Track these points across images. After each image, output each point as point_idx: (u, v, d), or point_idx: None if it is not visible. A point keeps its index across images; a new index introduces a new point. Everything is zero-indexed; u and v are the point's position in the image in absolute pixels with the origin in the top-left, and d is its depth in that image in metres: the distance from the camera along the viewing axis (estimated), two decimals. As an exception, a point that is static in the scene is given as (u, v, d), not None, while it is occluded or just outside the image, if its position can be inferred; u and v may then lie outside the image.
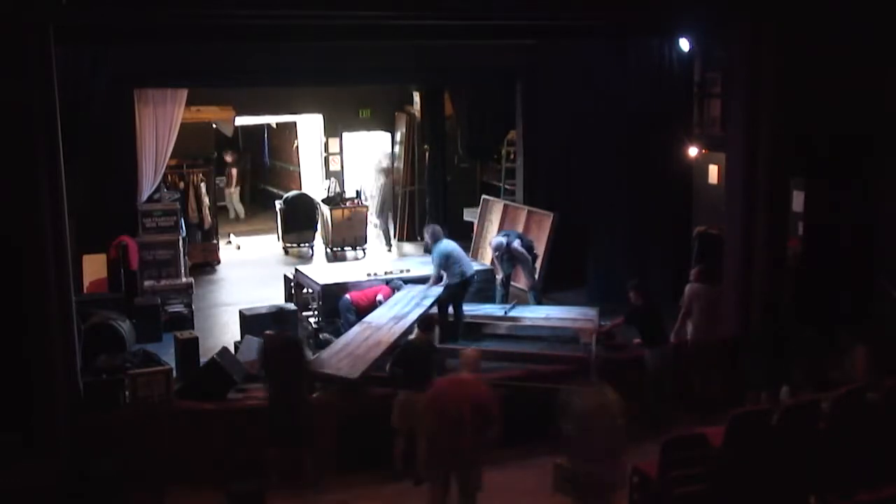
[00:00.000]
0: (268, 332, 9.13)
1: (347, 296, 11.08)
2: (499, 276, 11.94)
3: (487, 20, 9.95)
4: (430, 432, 7.28)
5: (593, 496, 6.81)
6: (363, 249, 15.84)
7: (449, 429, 7.03)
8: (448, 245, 10.92)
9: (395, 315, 10.38)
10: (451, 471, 7.26)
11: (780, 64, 10.00)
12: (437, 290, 10.84)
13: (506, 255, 11.76)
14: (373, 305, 11.00)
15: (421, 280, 11.56)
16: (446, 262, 10.79)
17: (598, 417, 6.64)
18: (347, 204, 15.98)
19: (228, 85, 14.13)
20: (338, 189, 16.55)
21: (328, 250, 15.81)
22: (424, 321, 9.22)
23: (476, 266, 12.57)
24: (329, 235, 15.77)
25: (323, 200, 16.19)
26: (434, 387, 7.42)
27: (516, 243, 11.78)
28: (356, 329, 10.21)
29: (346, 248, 15.78)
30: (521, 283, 12.42)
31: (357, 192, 16.58)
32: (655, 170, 11.94)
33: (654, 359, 9.63)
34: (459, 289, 10.79)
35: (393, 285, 11.36)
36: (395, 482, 8.61)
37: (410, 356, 8.68)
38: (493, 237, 12.52)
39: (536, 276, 12.09)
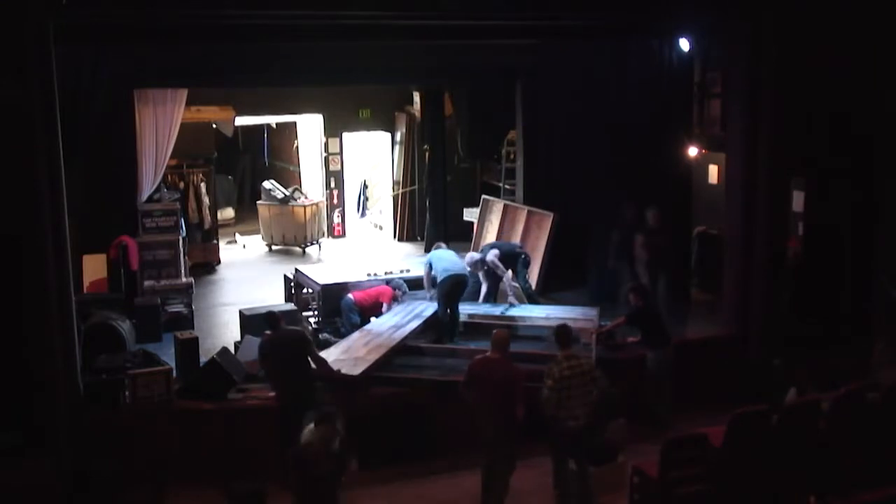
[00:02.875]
0: (266, 332, 9.00)
1: (350, 295, 11.08)
2: (484, 288, 11.71)
3: (487, 20, 9.95)
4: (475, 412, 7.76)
5: None
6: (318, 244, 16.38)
7: (486, 407, 7.63)
8: (433, 253, 11.11)
9: (395, 324, 10.54)
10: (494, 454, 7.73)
11: (780, 64, 10.01)
12: (434, 306, 10.91)
13: (483, 268, 11.66)
14: (376, 305, 11.00)
15: (420, 280, 11.60)
16: (430, 267, 10.91)
17: None
18: (300, 201, 16.47)
19: (228, 85, 14.12)
20: (295, 188, 16.85)
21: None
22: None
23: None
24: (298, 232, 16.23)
25: (280, 200, 16.51)
26: (470, 368, 7.94)
27: (491, 255, 11.46)
28: (356, 335, 10.26)
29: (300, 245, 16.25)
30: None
31: (360, 191, 16.77)
32: (655, 170, 11.93)
33: (655, 360, 9.64)
34: (449, 287, 10.65)
35: (394, 285, 11.37)
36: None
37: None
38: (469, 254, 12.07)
39: (510, 293, 11.48)
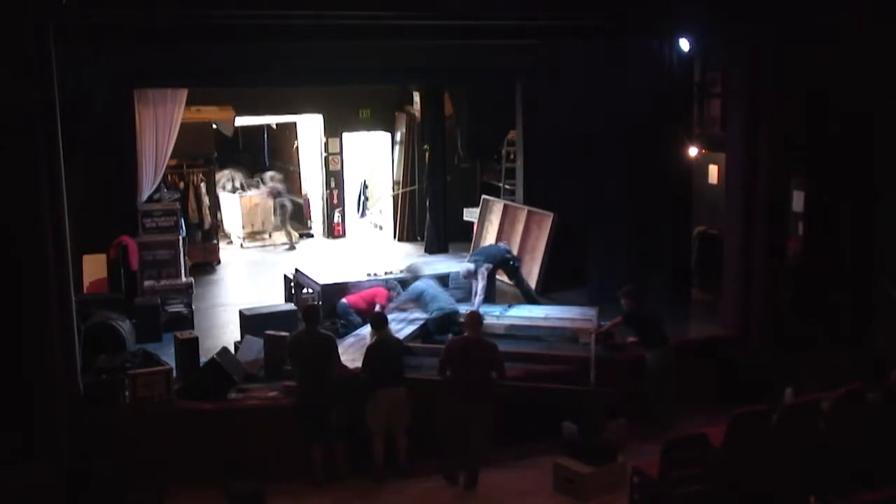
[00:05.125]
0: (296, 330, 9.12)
1: (344, 300, 11.10)
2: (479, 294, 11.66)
3: (487, 20, 9.95)
4: (452, 375, 8.53)
5: None
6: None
7: (466, 370, 8.38)
8: (421, 284, 11.13)
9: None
10: (469, 419, 8.35)
11: (780, 64, 10.00)
12: (425, 316, 10.95)
13: (476, 278, 11.63)
14: (372, 307, 10.98)
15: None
16: (418, 299, 10.99)
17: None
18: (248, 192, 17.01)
19: (228, 85, 14.12)
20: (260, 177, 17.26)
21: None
22: (374, 319, 9.13)
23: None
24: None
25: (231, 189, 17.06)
26: (448, 344, 8.85)
27: (483, 269, 11.58)
28: (350, 339, 10.27)
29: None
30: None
31: (360, 191, 16.74)
32: (655, 170, 11.94)
33: (655, 360, 9.63)
34: (444, 324, 10.72)
35: (389, 286, 11.36)
36: (379, 484, 8.57)
37: (379, 355, 8.71)
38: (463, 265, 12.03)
39: (476, 304, 11.46)
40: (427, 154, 15.89)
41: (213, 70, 12.11)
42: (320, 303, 11.38)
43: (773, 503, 7.16)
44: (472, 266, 11.71)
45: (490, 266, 11.69)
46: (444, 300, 10.95)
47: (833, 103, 10.13)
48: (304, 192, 18.11)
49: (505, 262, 11.93)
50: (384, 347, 8.77)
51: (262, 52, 11.58)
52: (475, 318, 8.83)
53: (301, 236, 17.43)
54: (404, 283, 11.59)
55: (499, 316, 11.16)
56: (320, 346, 8.60)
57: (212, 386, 9.01)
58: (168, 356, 9.83)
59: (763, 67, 10.07)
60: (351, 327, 10.80)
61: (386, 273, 11.93)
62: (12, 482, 7.62)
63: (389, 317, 10.92)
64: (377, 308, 11.01)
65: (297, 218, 17.52)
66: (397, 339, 9.24)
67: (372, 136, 17.62)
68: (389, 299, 11.20)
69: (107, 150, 12.30)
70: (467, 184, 16.80)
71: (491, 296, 11.95)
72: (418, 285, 11.19)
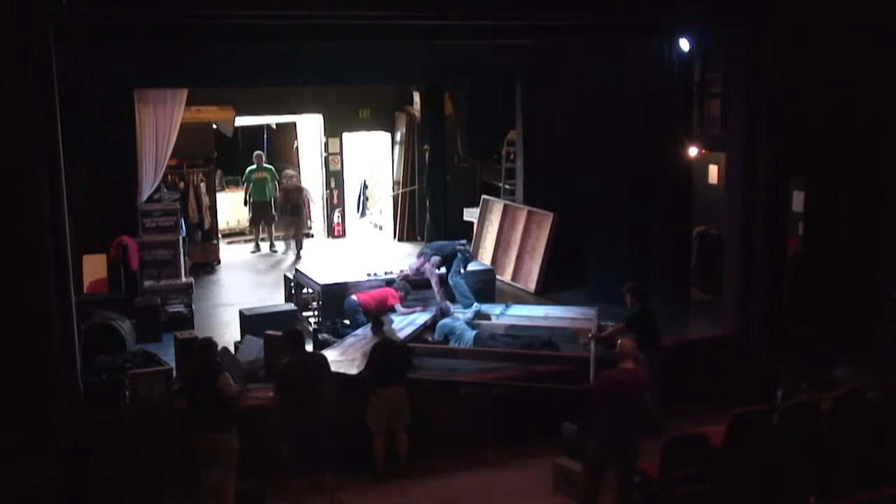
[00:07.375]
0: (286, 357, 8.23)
1: (354, 297, 11.02)
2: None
3: (487, 20, 9.95)
4: (603, 421, 7.45)
5: None
6: None
7: (620, 416, 7.36)
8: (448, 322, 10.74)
9: (390, 330, 10.57)
10: (615, 456, 7.44)
11: (780, 64, 10.01)
12: (426, 316, 10.90)
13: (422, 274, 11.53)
14: (382, 307, 10.94)
15: (420, 281, 11.61)
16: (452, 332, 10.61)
17: None
18: None
19: (228, 85, 14.14)
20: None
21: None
22: (374, 322, 9.42)
23: (477, 266, 12.62)
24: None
25: None
26: (603, 379, 7.68)
27: (432, 261, 11.38)
28: (350, 339, 10.24)
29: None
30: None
31: (360, 191, 16.72)
32: (655, 170, 11.95)
33: (644, 364, 9.52)
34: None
35: (397, 287, 11.34)
36: (379, 484, 8.56)
37: (382, 354, 8.73)
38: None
39: (439, 297, 11.37)
40: (427, 154, 15.89)
41: (213, 70, 12.12)
42: (320, 303, 11.34)
43: (773, 503, 7.16)
44: (416, 262, 11.64)
45: (438, 259, 11.44)
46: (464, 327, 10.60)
47: (833, 103, 10.12)
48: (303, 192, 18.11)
49: (453, 256, 11.56)
50: (389, 346, 8.83)
51: (262, 52, 11.59)
52: (628, 346, 7.72)
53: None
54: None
55: (498, 315, 11.15)
56: (314, 368, 8.08)
57: (212, 386, 8.99)
58: (168, 356, 9.83)
59: (763, 67, 10.07)
60: (353, 326, 10.79)
61: (386, 273, 11.93)
62: (13, 482, 7.62)
63: (394, 317, 11.00)
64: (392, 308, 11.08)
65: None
66: (402, 340, 9.31)
67: (372, 136, 17.63)
68: (400, 300, 11.20)
69: (107, 150, 12.29)
70: (467, 184, 16.80)
71: (490, 295, 11.95)
72: (446, 323, 10.72)
